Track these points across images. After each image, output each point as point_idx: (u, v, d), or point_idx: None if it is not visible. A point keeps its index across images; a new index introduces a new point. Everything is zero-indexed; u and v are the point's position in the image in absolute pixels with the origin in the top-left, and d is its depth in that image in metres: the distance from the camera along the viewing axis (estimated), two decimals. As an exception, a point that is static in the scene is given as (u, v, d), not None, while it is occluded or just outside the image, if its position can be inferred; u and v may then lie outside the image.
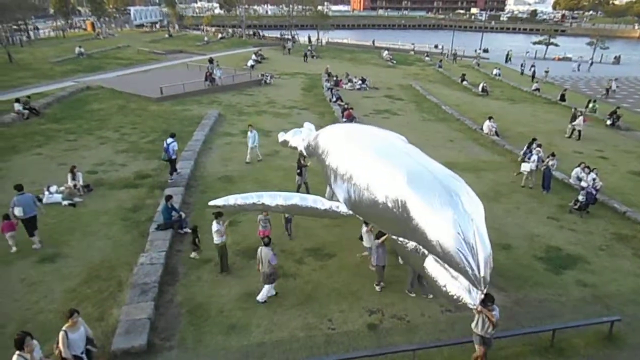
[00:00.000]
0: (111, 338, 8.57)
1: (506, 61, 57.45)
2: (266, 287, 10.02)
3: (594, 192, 15.19)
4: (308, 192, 14.57)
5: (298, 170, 15.24)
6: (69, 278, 10.53)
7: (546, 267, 11.82)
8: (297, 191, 14.49)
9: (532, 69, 44.41)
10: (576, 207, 14.97)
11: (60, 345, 7.00)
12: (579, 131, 23.94)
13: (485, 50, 64.14)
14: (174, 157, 15.95)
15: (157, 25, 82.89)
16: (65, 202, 13.96)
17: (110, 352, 8.29)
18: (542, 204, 15.77)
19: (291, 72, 40.52)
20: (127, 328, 8.78)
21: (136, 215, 13.62)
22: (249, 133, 18.18)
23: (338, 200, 10.69)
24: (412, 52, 61.55)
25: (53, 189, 14.29)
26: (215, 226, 10.67)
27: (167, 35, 66.20)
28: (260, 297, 10.04)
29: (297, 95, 31.81)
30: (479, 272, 7.21)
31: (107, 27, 73.14)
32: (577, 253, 12.60)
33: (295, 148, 14.81)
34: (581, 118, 23.91)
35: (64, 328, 7.13)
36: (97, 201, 14.42)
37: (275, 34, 73.02)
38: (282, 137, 15.81)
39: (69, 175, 14.69)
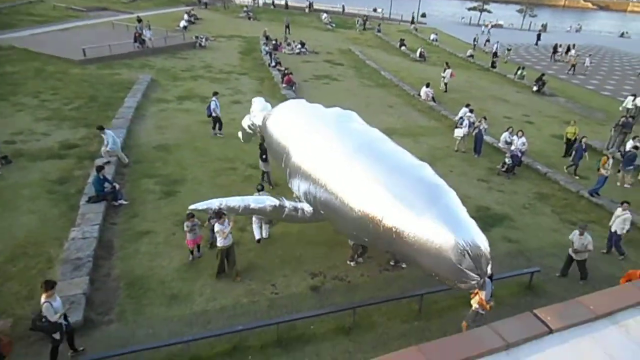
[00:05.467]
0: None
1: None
2: (266, 226, 11.10)
3: (519, 154, 16.27)
4: (270, 184, 13.57)
5: (263, 156, 13.34)
6: (-10, 257, 9.79)
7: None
8: (262, 179, 13.46)
9: (495, 45, 40.64)
10: (504, 169, 16.00)
11: (47, 314, 7.13)
12: (445, 84, 27.23)
13: (423, 15, 65.02)
14: (213, 115, 17.02)
15: None
16: (-19, 176, 12.79)
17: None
18: (473, 167, 16.68)
19: (227, 34, 38.88)
20: (60, 305, 8.40)
21: (63, 188, 12.78)
22: (104, 135, 14.02)
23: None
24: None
25: (-35, 161, 13.01)
26: (216, 226, 9.49)
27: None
28: (265, 233, 11.11)
29: (234, 59, 30.73)
30: (481, 278, 7.10)
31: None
32: (504, 212, 13.56)
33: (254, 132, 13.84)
34: (449, 71, 27.08)
35: (45, 299, 7.13)
36: (17, 174, 13.30)
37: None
38: (244, 126, 14.68)
39: (-16, 146, 13.41)
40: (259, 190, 11.02)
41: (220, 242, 9.56)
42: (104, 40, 28.87)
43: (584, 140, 16.32)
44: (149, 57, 28.70)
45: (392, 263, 10.63)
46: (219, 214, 9.50)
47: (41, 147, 15.06)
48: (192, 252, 10.32)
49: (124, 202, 12.24)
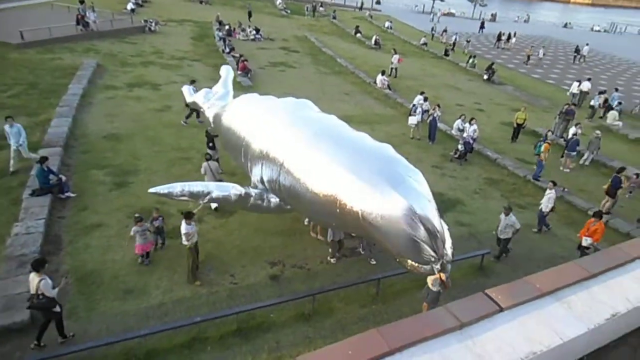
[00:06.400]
0: (-14, 318, 7.73)
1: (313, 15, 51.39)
2: None
3: (471, 141, 16.84)
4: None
5: (210, 144, 13.03)
6: None
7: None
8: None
9: (454, 37, 41.71)
10: (456, 155, 16.53)
11: (45, 291, 7.22)
12: (395, 69, 27.90)
13: (378, 2, 65.48)
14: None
15: None
16: None
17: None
18: (427, 154, 17.12)
19: (178, 18, 37.52)
20: (5, 304, 8.03)
21: (4, 181, 12.02)
22: (6, 127, 12.46)
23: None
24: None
25: None
26: (184, 228, 9.10)
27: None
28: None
29: (186, 45, 29.76)
30: (440, 255, 7.13)
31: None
32: (456, 197, 14.04)
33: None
34: (396, 57, 27.81)
35: (40, 277, 7.20)
36: (-49, 166, 12.39)
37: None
38: (190, 96, 14.51)
39: None
40: (207, 160, 11.47)
41: (186, 242, 9.23)
42: (43, 22, 27.05)
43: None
44: (94, 41, 27.23)
45: (361, 251, 10.80)
46: (188, 215, 9.15)
47: (-23, 138, 14.03)
48: (142, 257, 9.72)
49: (72, 195, 11.67)
